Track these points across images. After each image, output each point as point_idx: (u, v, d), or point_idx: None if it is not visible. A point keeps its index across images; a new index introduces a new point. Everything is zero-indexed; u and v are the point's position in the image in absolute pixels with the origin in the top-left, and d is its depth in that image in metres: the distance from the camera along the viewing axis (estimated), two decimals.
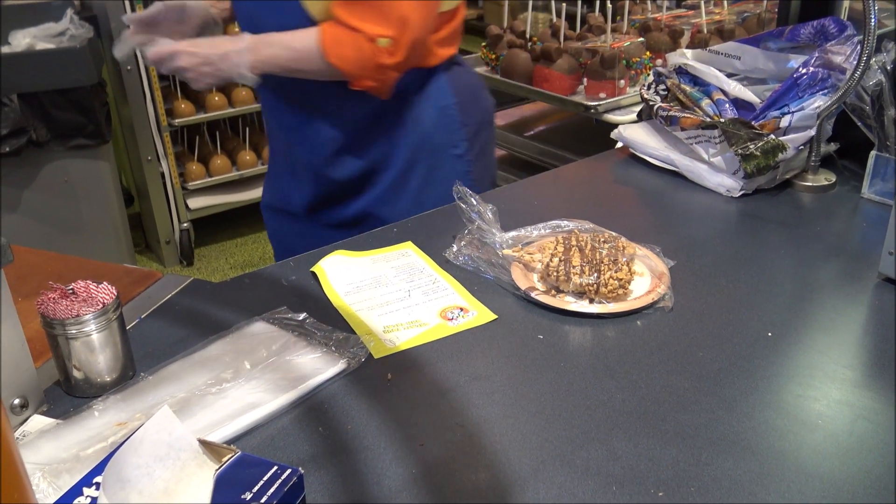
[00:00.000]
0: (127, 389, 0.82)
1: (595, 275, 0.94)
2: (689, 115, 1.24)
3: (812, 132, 1.18)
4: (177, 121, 2.89)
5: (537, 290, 0.97)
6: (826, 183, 1.22)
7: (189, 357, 0.87)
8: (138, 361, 0.87)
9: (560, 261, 0.97)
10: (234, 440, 0.76)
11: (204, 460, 0.66)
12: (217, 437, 0.75)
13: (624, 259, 0.97)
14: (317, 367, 0.85)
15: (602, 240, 1.01)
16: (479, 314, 0.94)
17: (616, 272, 0.95)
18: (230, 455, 0.65)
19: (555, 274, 0.96)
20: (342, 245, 1.10)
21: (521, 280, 0.98)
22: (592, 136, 1.81)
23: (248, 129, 3.06)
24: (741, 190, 1.20)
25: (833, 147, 1.26)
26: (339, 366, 0.85)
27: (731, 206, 1.19)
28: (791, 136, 1.18)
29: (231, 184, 3.08)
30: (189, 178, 2.98)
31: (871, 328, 0.91)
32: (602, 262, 0.96)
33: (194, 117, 2.93)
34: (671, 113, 1.27)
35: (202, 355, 0.87)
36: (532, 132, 2.00)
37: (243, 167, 3.05)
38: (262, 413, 0.78)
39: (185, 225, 3.02)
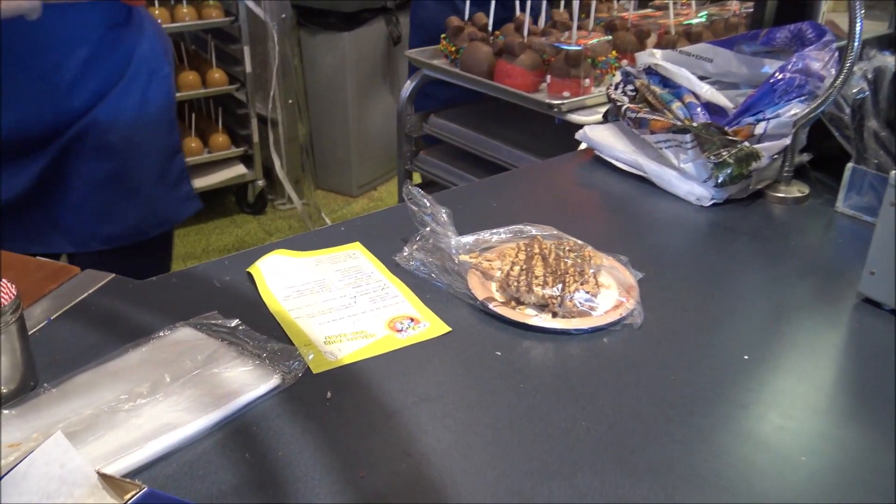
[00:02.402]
0: (25, 404, 0.71)
1: (559, 286, 0.86)
2: (659, 118, 1.17)
3: (787, 141, 1.12)
4: None
5: (496, 300, 0.88)
6: (799, 195, 1.16)
7: (102, 367, 0.77)
8: (42, 370, 0.76)
9: (521, 270, 0.89)
10: (145, 467, 0.66)
11: (103, 497, 0.56)
12: (125, 463, 0.65)
13: (591, 270, 0.89)
14: (247, 382, 0.75)
15: (567, 248, 0.93)
16: (431, 325, 0.85)
17: (582, 284, 0.87)
18: (135, 491, 0.55)
19: (515, 284, 0.88)
20: (283, 244, 1.00)
21: (479, 289, 0.90)
22: (555, 136, 1.74)
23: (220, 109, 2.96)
24: (712, 199, 1.14)
25: (806, 157, 1.21)
26: (273, 381, 0.75)
27: (701, 216, 1.13)
28: (765, 143, 1.12)
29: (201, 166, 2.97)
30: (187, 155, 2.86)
31: (852, 353, 0.85)
32: (567, 273, 0.88)
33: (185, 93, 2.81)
34: (640, 115, 1.20)
35: (117, 365, 0.77)
36: (492, 130, 1.92)
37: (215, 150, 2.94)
38: (180, 436, 0.68)
39: None
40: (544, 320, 0.86)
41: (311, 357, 0.79)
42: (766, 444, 0.70)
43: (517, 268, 0.89)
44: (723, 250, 1.04)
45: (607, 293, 0.90)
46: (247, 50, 2.85)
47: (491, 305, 0.87)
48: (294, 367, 0.77)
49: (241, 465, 0.67)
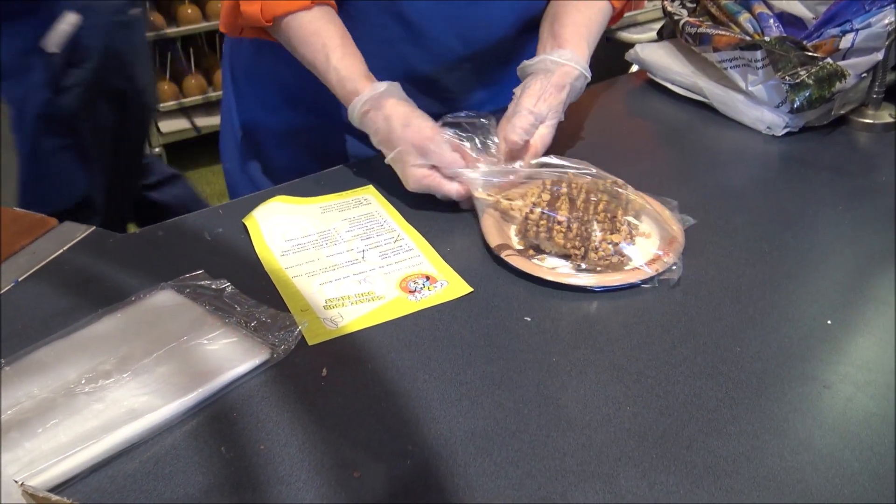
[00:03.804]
0: None
1: (584, 234, 0.73)
2: (723, 33, 1.00)
3: (879, 56, 0.94)
4: None
5: (511, 249, 0.75)
6: (891, 120, 0.99)
7: (67, 339, 0.66)
8: (2, 343, 0.66)
9: (543, 213, 0.75)
10: (103, 464, 0.56)
11: None
12: (78, 460, 0.55)
13: (626, 217, 0.75)
14: (229, 357, 0.64)
15: (601, 189, 0.79)
16: (450, 285, 0.73)
17: (612, 232, 0.73)
18: None
19: (534, 229, 0.75)
20: (285, 189, 0.88)
21: (493, 234, 0.77)
22: (604, 57, 1.56)
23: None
24: (786, 127, 0.97)
25: None
26: (260, 356, 0.64)
27: (772, 148, 0.97)
28: (852, 60, 0.94)
29: (207, 105, 2.83)
30: (161, 99, 2.73)
31: None
32: (596, 219, 0.74)
33: (165, 31, 2.66)
34: (701, 30, 1.03)
35: (84, 336, 0.67)
36: None
37: (220, 88, 2.79)
38: (145, 425, 0.58)
39: (157, 150, 2.78)
40: (563, 275, 0.72)
41: (305, 325, 0.68)
42: (857, 436, 0.57)
43: (538, 210, 0.75)
44: (798, 189, 0.88)
45: (645, 244, 0.76)
46: None
47: (503, 254, 0.74)
48: (286, 337, 0.66)
49: (215, 461, 0.56)
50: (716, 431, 0.57)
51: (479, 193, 0.80)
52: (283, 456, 0.56)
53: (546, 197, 0.76)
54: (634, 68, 1.19)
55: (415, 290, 0.72)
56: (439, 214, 0.83)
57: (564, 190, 0.77)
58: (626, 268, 0.73)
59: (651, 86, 1.13)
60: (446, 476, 0.54)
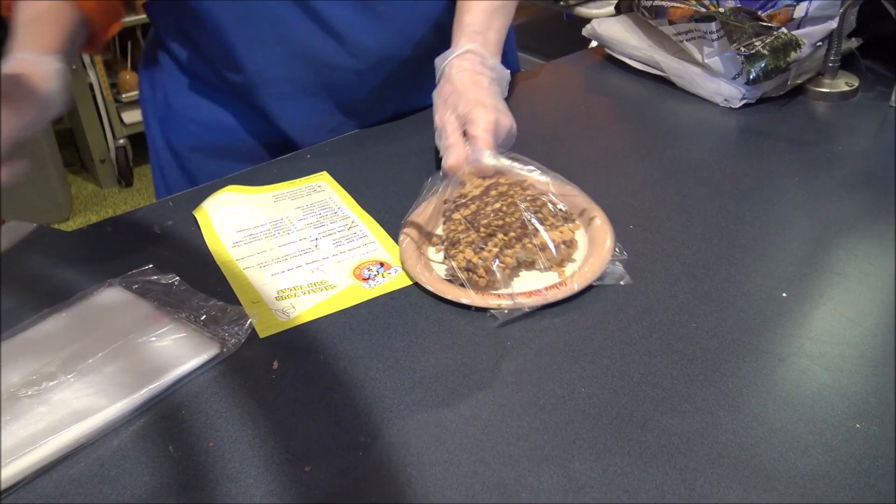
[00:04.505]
0: None
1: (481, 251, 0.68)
2: (678, 5, 0.99)
3: (833, 24, 0.93)
4: None
5: (427, 274, 0.71)
6: (847, 88, 0.98)
7: (10, 341, 0.65)
8: None
9: (448, 234, 0.71)
10: (45, 469, 0.54)
11: None
12: (20, 466, 0.54)
13: (533, 222, 0.70)
14: (178, 353, 0.63)
15: (498, 193, 0.73)
16: (403, 271, 0.72)
17: (507, 247, 0.68)
18: None
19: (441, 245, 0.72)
20: (237, 178, 0.86)
21: (411, 254, 0.72)
22: (563, 34, 1.55)
23: None
24: (743, 99, 0.97)
25: (856, 43, 1.02)
26: (209, 351, 0.63)
27: (729, 120, 0.96)
28: (807, 29, 0.94)
29: None
30: (123, 89, 2.69)
31: None
32: (502, 232, 0.69)
33: (125, 19, 2.61)
34: (657, 2, 1.02)
35: (27, 338, 0.65)
36: None
37: None
38: (90, 426, 0.57)
39: (122, 141, 2.74)
40: (461, 294, 0.67)
41: (256, 317, 0.66)
42: (811, 408, 0.56)
43: (458, 218, 0.72)
44: (755, 161, 0.88)
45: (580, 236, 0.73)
46: None
47: (424, 281, 0.69)
48: (236, 331, 0.65)
49: (162, 460, 0.55)
50: (670, 410, 0.57)
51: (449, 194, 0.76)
52: (232, 452, 0.55)
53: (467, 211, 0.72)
54: (593, 44, 1.17)
55: (368, 278, 0.71)
56: (394, 199, 0.81)
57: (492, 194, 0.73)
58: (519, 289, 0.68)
59: (609, 61, 1.12)
60: (399, 466, 0.54)
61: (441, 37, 0.92)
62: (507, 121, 0.80)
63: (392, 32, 0.91)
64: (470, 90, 0.80)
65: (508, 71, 0.88)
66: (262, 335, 0.65)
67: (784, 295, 0.67)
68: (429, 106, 0.86)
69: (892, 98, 0.95)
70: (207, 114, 0.97)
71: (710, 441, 0.54)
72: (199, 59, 0.94)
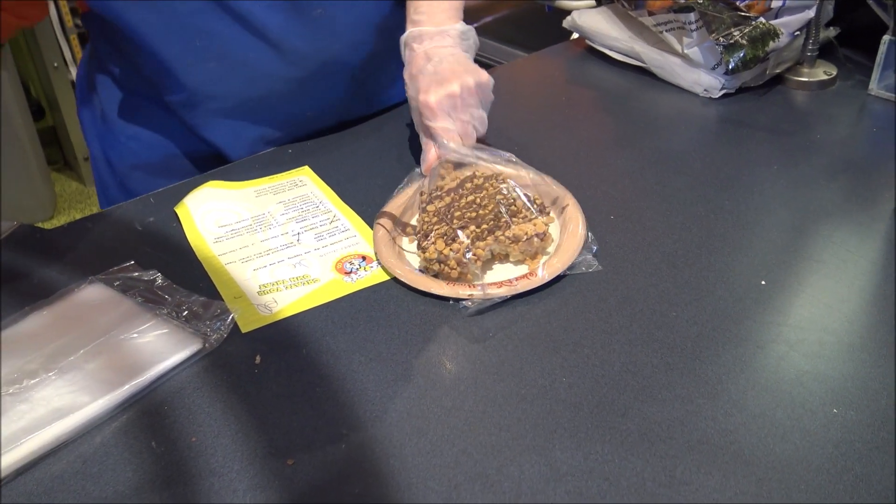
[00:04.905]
0: None
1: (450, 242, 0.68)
2: None
3: (811, 13, 0.94)
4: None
5: (402, 264, 0.72)
6: (825, 77, 0.99)
7: None
8: None
9: (436, 213, 0.72)
10: (28, 467, 0.54)
11: None
12: (1, 464, 0.54)
13: (505, 216, 0.70)
14: (160, 349, 0.62)
15: (474, 185, 0.73)
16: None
17: (479, 238, 0.69)
18: None
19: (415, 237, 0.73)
20: (218, 174, 0.86)
21: (385, 246, 0.73)
22: (545, 26, 1.55)
23: None
24: (722, 89, 0.97)
25: (833, 32, 1.03)
26: (191, 347, 0.63)
27: (709, 110, 0.97)
28: (784, 18, 0.95)
29: None
30: None
31: (894, 272, 0.70)
32: (472, 223, 0.70)
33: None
34: None
35: (8, 336, 0.65)
36: (476, 24, 1.73)
37: None
38: (72, 423, 0.57)
39: None
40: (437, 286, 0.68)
41: (238, 312, 0.66)
42: (790, 395, 0.57)
43: (431, 211, 0.72)
44: (735, 150, 0.88)
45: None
46: None
47: (398, 273, 0.70)
48: (218, 327, 0.65)
49: (145, 457, 0.55)
50: (651, 398, 0.57)
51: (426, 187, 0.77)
52: (215, 447, 0.55)
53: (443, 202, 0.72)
54: (574, 36, 1.18)
55: (351, 272, 0.71)
56: (376, 193, 0.82)
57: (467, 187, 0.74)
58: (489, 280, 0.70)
59: (590, 53, 1.12)
60: (381, 458, 0.54)
61: (389, 42, 0.89)
62: (471, 80, 0.78)
63: (330, 38, 0.88)
64: (423, 71, 0.80)
65: (471, 27, 0.84)
66: (244, 330, 0.65)
67: (763, 283, 0.68)
68: (401, 103, 0.87)
69: (870, 86, 0.96)
70: (145, 131, 0.93)
71: (689, 428, 0.55)
72: (136, 75, 0.90)
